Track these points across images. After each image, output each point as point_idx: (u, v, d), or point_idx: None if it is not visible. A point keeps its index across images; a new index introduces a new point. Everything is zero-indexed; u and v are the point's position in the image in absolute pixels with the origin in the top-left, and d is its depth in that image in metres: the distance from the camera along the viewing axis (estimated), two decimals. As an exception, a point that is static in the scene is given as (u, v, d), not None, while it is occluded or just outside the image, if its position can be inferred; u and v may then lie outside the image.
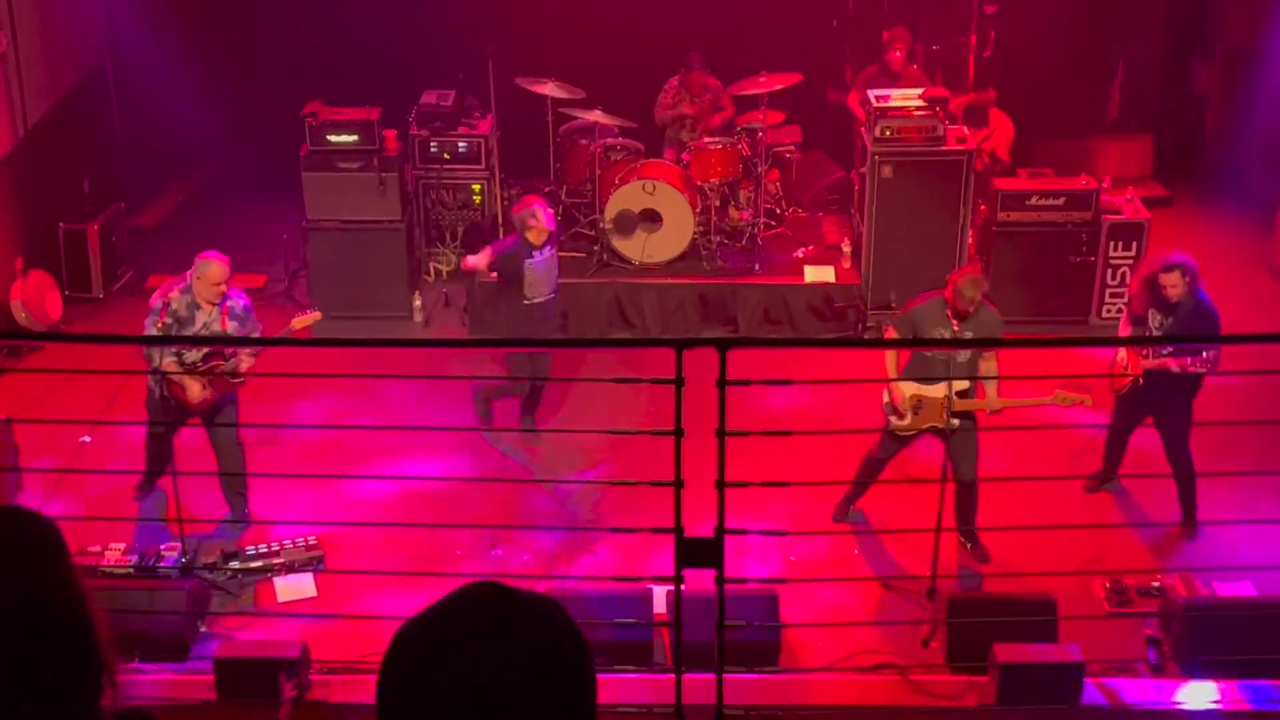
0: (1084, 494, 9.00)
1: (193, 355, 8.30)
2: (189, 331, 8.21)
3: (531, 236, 9.25)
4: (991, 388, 8.16)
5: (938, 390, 8.14)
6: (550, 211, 9.55)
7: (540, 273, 9.38)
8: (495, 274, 9.46)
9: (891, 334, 8.66)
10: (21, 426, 8.69)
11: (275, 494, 8.86)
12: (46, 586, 1.93)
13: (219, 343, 8.28)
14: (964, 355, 8.07)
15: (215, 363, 8.29)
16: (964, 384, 8.09)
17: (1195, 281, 8.29)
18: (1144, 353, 8.40)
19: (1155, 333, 8.39)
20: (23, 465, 8.65)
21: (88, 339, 8.30)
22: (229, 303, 8.32)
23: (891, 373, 8.39)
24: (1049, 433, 9.25)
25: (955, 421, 8.06)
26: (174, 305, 8.25)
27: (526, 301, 9.38)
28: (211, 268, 8.22)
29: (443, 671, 1.71)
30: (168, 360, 8.26)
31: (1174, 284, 8.23)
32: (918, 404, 8.24)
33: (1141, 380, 8.41)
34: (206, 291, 8.22)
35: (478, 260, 9.50)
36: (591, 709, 1.79)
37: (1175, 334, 8.39)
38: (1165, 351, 8.29)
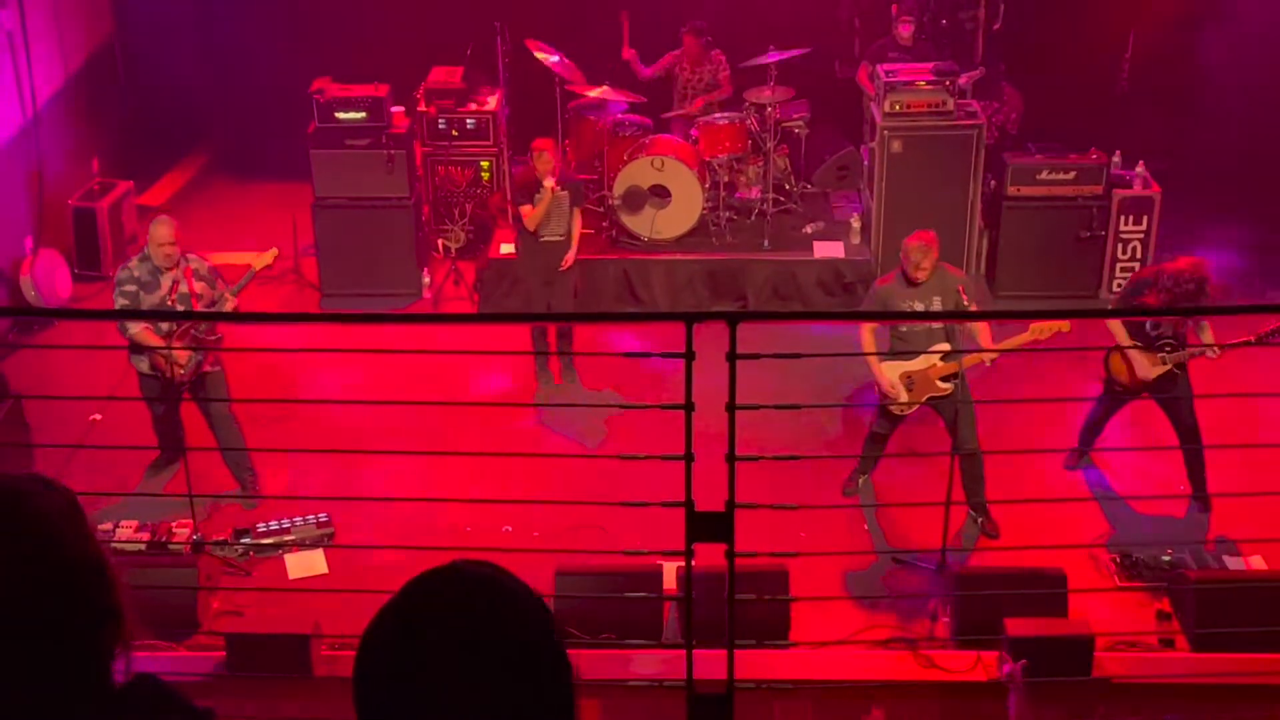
0: (1092, 469, 8.99)
1: (166, 324, 8.31)
2: (155, 296, 8.20)
3: (540, 169, 9.62)
4: (981, 339, 8.16)
5: (923, 362, 8.20)
6: (559, 154, 10.00)
7: (549, 208, 9.68)
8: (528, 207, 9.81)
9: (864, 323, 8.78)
10: (32, 404, 8.71)
11: (286, 471, 8.88)
12: (65, 550, 1.94)
13: (212, 318, 8.33)
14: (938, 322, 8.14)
15: (193, 326, 8.31)
16: (944, 346, 8.12)
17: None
18: (1163, 349, 8.31)
19: (1153, 330, 8.34)
20: (34, 442, 8.67)
21: (95, 315, 8.32)
22: (191, 264, 8.30)
23: (873, 359, 8.40)
24: (1055, 405, 9.24)
25: (948, 386, 8.11)
26: (135, 272, 8.25)
27: (540, 239, 9.83)
28: (158, 229, 8.23)
29: (415, 668, 1.72)
30: (141, 328, 8.24)
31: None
32: (909, 381, 8.27)
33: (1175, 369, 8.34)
34: (157, 254, 8.20)
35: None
36: (566, 693, 1.79)
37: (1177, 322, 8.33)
38: (1192, 351, 8.24)
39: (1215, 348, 8.21)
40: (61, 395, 8.77)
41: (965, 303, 8.11)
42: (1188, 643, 7.07)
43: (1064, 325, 8.08)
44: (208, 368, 8.49)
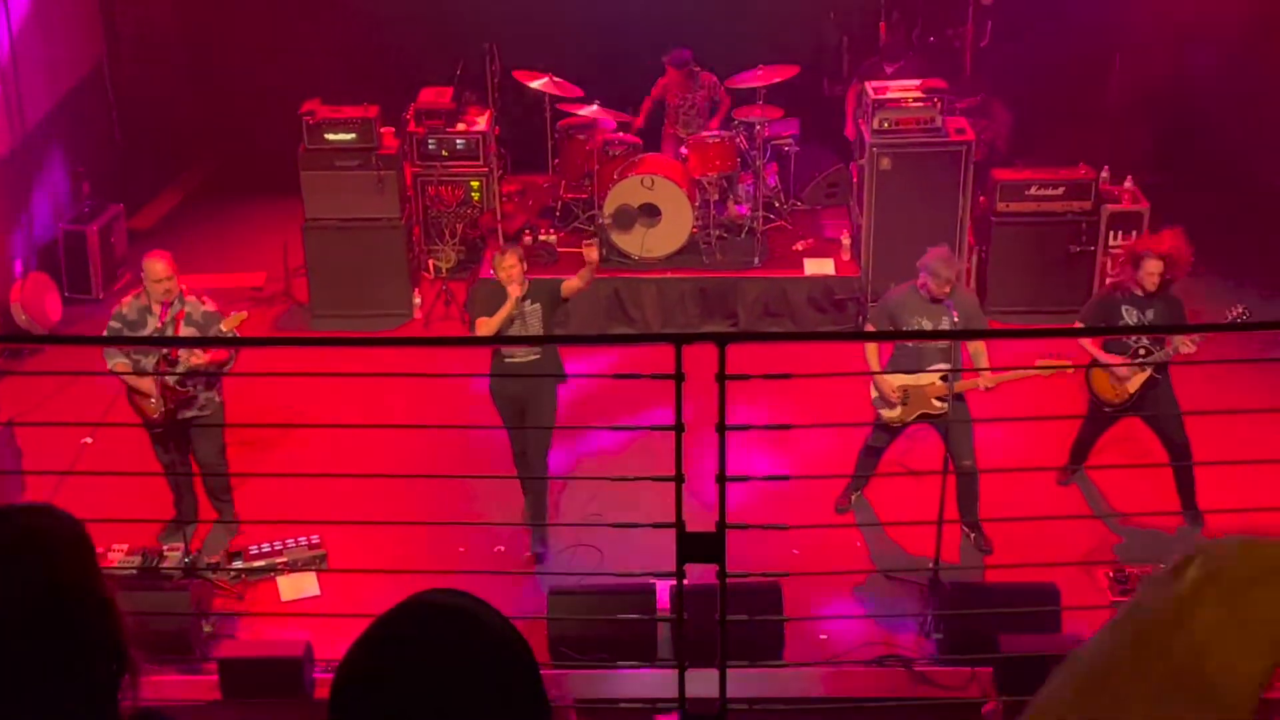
0: (1084, 484, 9.01)
1: (147, 361, 8.10)
2: (139, 335, 8.03)
3: (502, 278, 8.24)
4: (982, 363, 8.17)
5: (924, 378, 8.19)
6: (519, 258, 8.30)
7: (507, 321, 8.20)
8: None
9: (870, 329, 8.70)
10: (23, 429, 8.69)
11: (275, 494, 8.86)
12: (75, 585, 1.93)
13: (179, 344, 8.08)
14: (944, 341, 8.09)
15: (163, 367, 8.03)
16: (946, 366, 8.10)
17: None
18: (1141, 355, 8.33)
19: (1134, 341, 8.36)
20: (25, 468, 8.65)
21: (85, 341, 8.28)
22: (187, 308, 8.08)
23: (874, 366, 8.38)
24: (1048, 421, 9.25)
25: (943, 405, 8.09)
26: (124, 310, 8.11)
27: (506, 360, 8.40)
28: (152, 265, 8.03)
29: (387, 705, 1.70)
30: (119, 362, 8.08)
31: (1152, 272, 8.20)
32: (905, 394, 8.27)
33: (1153, 379, 8.36)
34: (154, 290, 8.01)
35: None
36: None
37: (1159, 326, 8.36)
38: (1170, 350, 8.24)
39: (1190, 342, 8.23)
40: (53, 421, 8.73)
41: (955, 320, 8.10)
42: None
43: (1069, 367, 8.10)
44: (191, 412, 8.24)
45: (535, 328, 8.26)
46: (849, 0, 13.14)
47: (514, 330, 8.20)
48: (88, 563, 1.98)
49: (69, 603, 1.91)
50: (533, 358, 8.33)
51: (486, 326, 8.15)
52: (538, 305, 8.30)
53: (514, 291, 8.13)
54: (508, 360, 8.35)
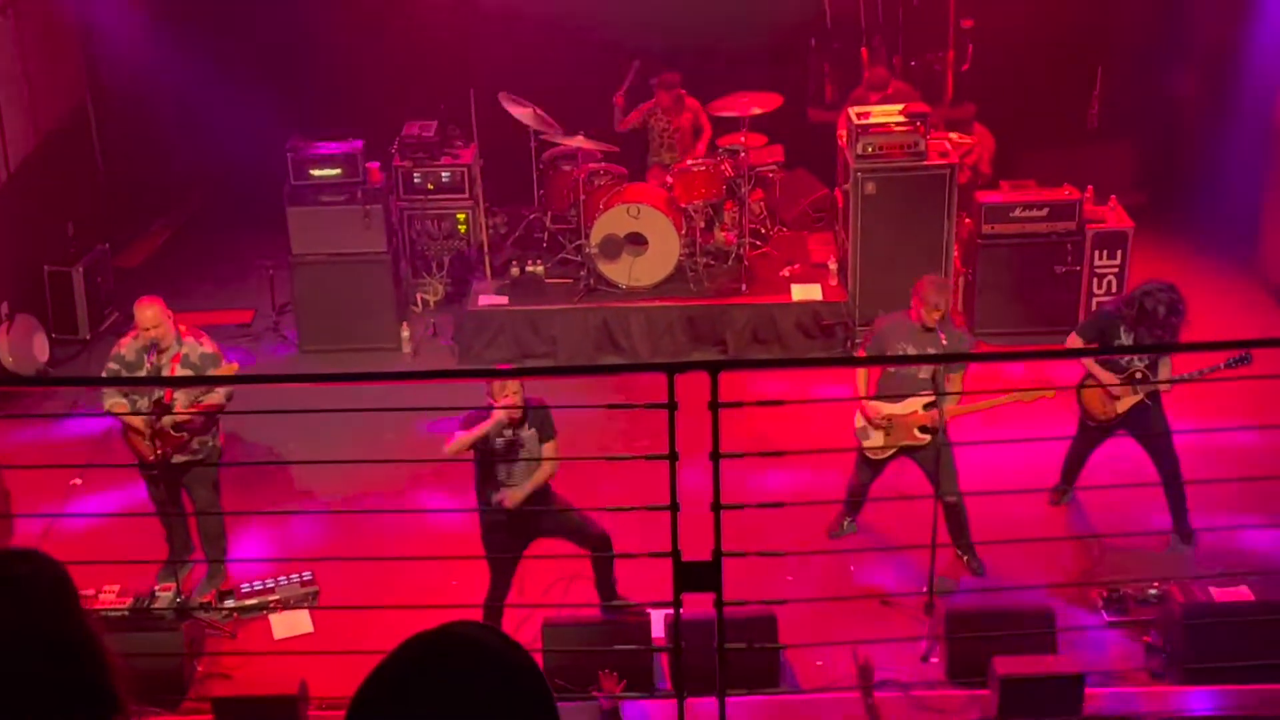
0: (1076, 505, 9.01)
1: (144, 402, 8.03)
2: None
3: (496, 393, 7.48)
4: (953, 401, 8.16)
5: (905, 407, 8.20)
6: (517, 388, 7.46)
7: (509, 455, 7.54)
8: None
9: (864, 356, 8.72)
10: (10, 471, 8.65)
11: (267, 530, 8.83)
12: (53, 630, 1.92)
13: (170, 384, 8.02)
14: (926, 371, 8.07)
15: (155, 410, 7.94)
16: (928, 397, 8.10)
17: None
18: (1137, 378, 8.36)
19: (1125, 362, 8.40)
20: (14, 510, 8.60)
21: (71, 382, 8.23)
22: (184, 350, 8.03)
23: (863, 391, 8.40)
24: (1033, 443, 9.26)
25: (925, 436, 8.10)
26: (123, 351, 8.07)
27: (506, 486, 7.58)
28: (142, 313, 7.94)
29: None
30: (115, 402, 8.05)
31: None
32: (889, 424, 8.27)
33: (1145, 401, 8.39)
34: (144, 337, 7.95)
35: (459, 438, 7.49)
36: None
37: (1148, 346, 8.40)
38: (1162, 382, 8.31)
39: (1190, 378, 8.30)
40: (40, 464, 8.70)
41: (943, 343, 8.11)
42: (1177, 676, 7.06)
43: (1049, 392, 8.12)
44: (186, 456, 8.16)
45: (535, 451, 7.55)
46: (831, 27, 13.21)
47: (506, 466, 7.51)
48: (69, 607, 1.97)
49: (46, 648, 1.89)
50: (526, 488, 7.54)
51: (457, 444, 7.43)
52: (533, 431, 7.56)
53: (497, 415, 7.38)
54: (495, 500, 7.57)
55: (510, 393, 7.38)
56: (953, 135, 11.60)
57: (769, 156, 12.13)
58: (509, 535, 7.67)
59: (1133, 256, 11.10)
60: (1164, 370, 8.37)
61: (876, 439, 8.30)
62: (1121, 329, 8.31)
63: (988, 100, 12.63)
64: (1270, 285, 11.76)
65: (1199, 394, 9.47)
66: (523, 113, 11.26)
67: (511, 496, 7.51)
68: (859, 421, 8.42)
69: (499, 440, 7.51)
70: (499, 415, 7.39)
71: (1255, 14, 12.31)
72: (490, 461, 7.50)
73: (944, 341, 8.10)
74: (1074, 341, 8.58)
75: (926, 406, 8.12)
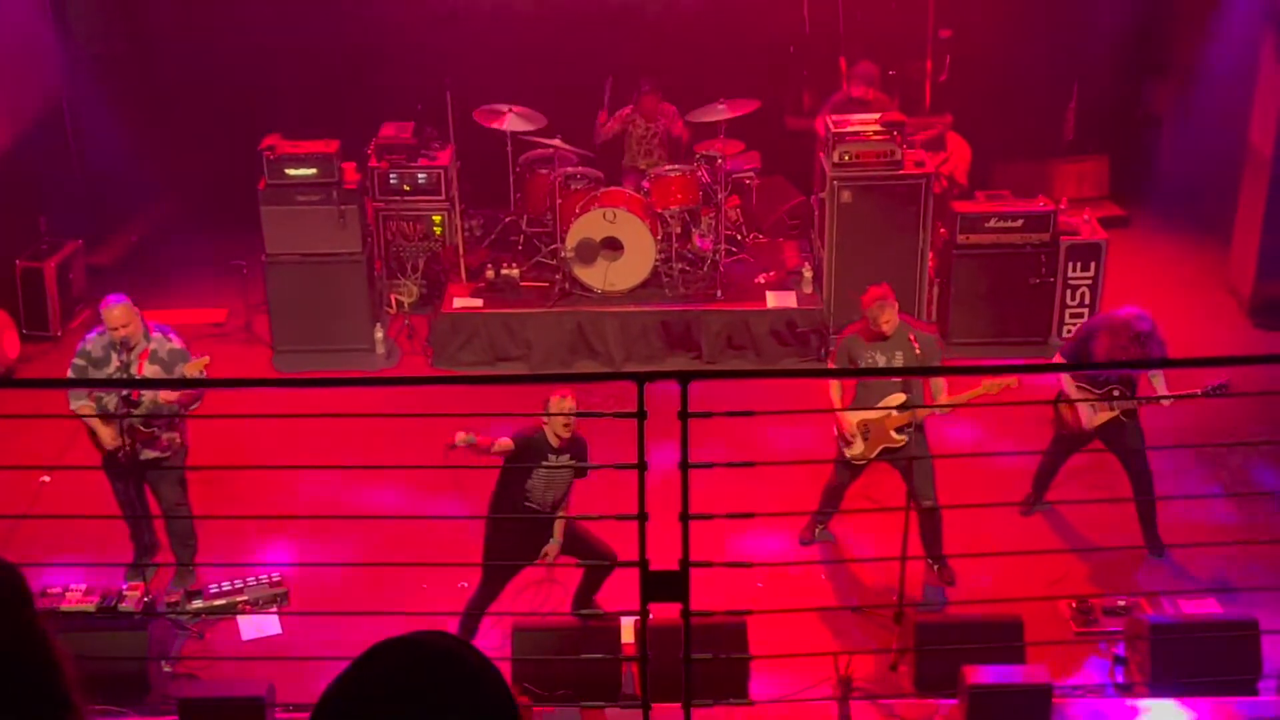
0: (1047, 516, 9.04)
1: (110, 400, 7.99)
2: (102, 374, 7.91)
3: (551, 433, 7.48)
4: (942, 397, 8.25)
5: (879, 412, 8.25)
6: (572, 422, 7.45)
7: (545, 478, 7.49)
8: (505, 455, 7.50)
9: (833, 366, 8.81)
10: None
11: (235, 533, 8.79)
12: (11, 634, 1.90)
13: (141, 386, 7.96)
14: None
15: (124, 406, 7.89)
16: (900, 397, 8.18)
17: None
18: (1113, 393, 8.41)
19: (1109, 379, 8.45)
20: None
21: (38, 384, 8.15)
22: (152, 345, 7.98)
23: (837, 403, 8.45)
24: (1008, 458, 9.29)
25: (902, 438, 8.15)
26: (89, 347, 8.01)
27: (529, 504, 7.55)
28: (109, 313, 7.87)
29: None
30: (82, 404, 8.00)
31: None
32: (865, 430, 8.31)
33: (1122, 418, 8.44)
34: (112, 336, 7.89)
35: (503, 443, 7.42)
36: None
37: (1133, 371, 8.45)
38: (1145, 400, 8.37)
39: (1168, 398, 8.32)
40: (9, 465, 8.63)
41: (916, 352, 8.15)
42: (1145, 688, 7.09)
43: (1011, 381, 8.17)
44: (154, 453, 8.12)
45: (566, 479, 7.50)
46: (809, 34, 13.23)
47: (540, 488, 7.46)
48: (23, 609, 1.95)
49: (6, 651, 1.88)
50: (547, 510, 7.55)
51: (500, 445, 7.32)
52: (567, 456, 7.46)
53: (546, 429, 7.38)
54: (528, 505, 7.50)
55: (565, 409, 7.33)
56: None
57: (746, 163, 12.14)
58: (519, 548, 7.67)
59: (1106, 268, 11.15)
60: (1159, 385, 8.45)
61: (857, 447, 8.33)
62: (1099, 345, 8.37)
63: (964, 111, 12.67)
64: (1241, 297, 11.83)
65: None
66: (501, 122, 11.19)
67: (553, 551, 7.59)
68: (836, 430, 8.45)
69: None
70: (548, 432, 7.42)
71: (1226, 30, 12.40)
72: (521, 478, 7.44)
73: (914, 342, 8.16)
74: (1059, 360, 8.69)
75: (899, 407, 8.18)
